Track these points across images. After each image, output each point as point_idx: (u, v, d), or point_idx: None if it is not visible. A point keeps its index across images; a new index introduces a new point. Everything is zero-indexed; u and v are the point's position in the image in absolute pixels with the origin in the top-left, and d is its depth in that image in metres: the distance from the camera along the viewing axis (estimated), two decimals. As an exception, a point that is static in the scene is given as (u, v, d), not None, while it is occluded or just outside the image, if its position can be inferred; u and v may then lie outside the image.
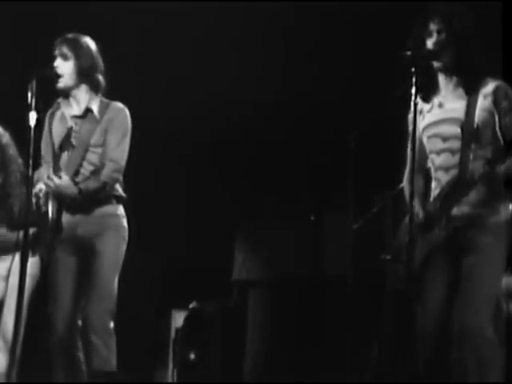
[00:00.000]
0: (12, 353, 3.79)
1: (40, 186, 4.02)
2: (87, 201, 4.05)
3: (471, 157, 3.40)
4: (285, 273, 5.56)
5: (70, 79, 4.09)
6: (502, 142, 3.45)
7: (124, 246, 4.14)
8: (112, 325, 4.00)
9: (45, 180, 4.01)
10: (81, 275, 4.10)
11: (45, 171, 4.12)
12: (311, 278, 5.42)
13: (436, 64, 3.46)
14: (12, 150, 4.62)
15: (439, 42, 3.43)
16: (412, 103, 3.28)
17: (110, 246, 4.07)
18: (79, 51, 4.08)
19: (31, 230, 4.50)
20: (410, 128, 3.33)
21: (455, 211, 3.42)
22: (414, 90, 3.28)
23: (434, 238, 3.45)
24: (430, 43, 3.45)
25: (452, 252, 3.45)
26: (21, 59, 5.39)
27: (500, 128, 3.42)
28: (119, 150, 4.10)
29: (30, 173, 3.62)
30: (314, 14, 5.77)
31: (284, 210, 5.88)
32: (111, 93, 4.22)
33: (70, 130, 4.11)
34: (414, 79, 3.29)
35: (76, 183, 4.02)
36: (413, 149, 3.31)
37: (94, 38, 4.20)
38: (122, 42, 5.92)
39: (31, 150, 3.62)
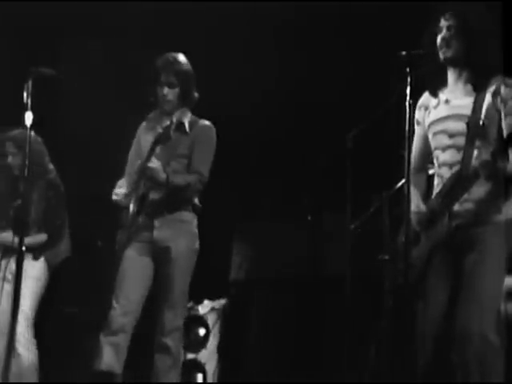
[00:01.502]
0: (8, 354, 3.81)
1: (120, 191, 4.28)
2: (165, 203, 4.26)
3: (475, 153, 3.39)
4: (282, 273, 5.55)
5: (175, 104, 4.37)
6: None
7: (196, 256, 4.35)
8: (182, 325, 4.29)
9: (136, 167, 4.26)
10: (152, 277, 4.31)
11: (126, 181, 4.35)
12: (309, 277, 5.41)
13: (441, 59, 3.46)
14: (37, 156, 4.67)
15: (445, 37, 3.44)
16: (407, 103, 3.28)
17: (184, 255, 4.28)
18: (183, 77, 4.35)
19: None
20: (407, 128, 3.32)
21: (458, 208, 3.41)
22: (408, 91, 3.28)
23: (436, 234, 3.45)
24: (439, 38, 3.46)
25: (454, 250, 3.44)
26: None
27: (504, 126, 3.41)
28: (204, 164, 4.35)
29: (26, 173, 3.64)
30: (312, 14, 5.76)
31: (282, 210, 5.87)
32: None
33: (158, 136, 4.31)
34: (408, 79, 3.29)
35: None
36: (409, 148, 3.30)
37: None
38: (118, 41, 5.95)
39: (27, 151, 3.63)
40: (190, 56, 4.44)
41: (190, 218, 4.36)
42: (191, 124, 4.38)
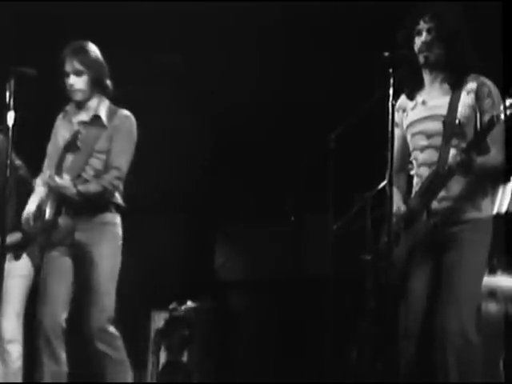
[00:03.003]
0: None
1: (41, 188, 4.13)
2: (86, 205, 4.11)
3: (452, 152, 3.40)
4: (265, 273, 5.57)
5: (86, 93, 4.20)
6: None
7: (120, 256, 4.21)
8: (112, 328, 4.11)
9: (45, 178, 4.09)
10: (73, 279, 4.18)
11: (41, 178, 4.20)
12: (292, 278, 5.43)
13: (422, 62, 3.47)
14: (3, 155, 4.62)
15: (427, 41, 3.44)
16: (390, 104, 3.28)
17: (108, 258, 4.15)
18: (90, 64, 4.18)
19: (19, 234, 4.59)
20: (389, 128, 3.32)
21: (436, 206, 3.42)
22: (391, 91, 3.28)
23: (416, 233, 3.45)
24: (418, 41, 3.46)
25: (433, 248, 3.45)
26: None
27: (481, 125, 3.42)
28: (123, 158, 4.17)
29: (8, 173, 3.62)
30: (294, 13, 5.77)
31: (265, 211, 5.88)
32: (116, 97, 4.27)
33: (75, 134, 4.17)
34: (391, 80, 3.29)
35: (76, 185, 4.08)
36: (391, 149, 3.31)
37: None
38: (116, 42, 5.93)
39: (9, 150, 3.62)
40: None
41: (112, 219, 4.20)
42: (109, 114, 4.21)
